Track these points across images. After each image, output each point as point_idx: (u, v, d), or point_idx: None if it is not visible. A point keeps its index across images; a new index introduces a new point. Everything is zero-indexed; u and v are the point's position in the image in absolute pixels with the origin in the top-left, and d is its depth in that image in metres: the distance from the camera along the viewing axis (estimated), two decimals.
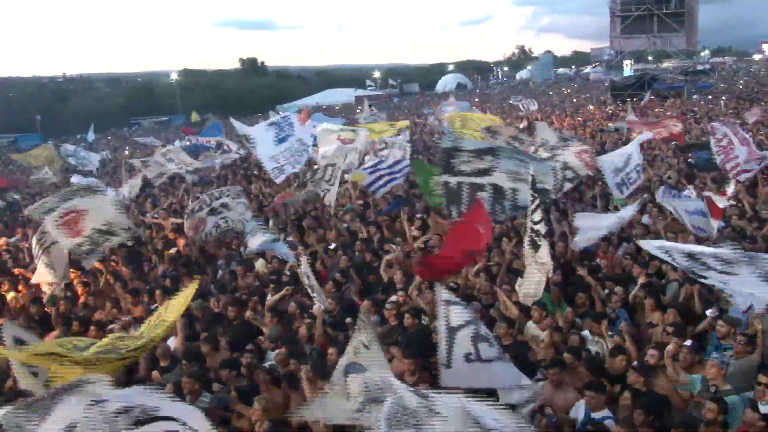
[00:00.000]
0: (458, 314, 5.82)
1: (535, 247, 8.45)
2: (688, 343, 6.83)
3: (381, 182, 15.36)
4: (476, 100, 55.90)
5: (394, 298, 9.31)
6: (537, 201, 8.58)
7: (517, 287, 8.97)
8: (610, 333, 7.81)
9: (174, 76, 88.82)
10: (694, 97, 46.04)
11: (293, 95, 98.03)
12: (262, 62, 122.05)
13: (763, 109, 29.59)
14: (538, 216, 8.47)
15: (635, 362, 6.73)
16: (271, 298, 10.00)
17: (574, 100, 54.71)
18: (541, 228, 8.40)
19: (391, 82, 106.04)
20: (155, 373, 7.84)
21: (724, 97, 44.13)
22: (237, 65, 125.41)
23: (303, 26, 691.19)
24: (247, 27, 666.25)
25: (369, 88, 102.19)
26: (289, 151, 15.47)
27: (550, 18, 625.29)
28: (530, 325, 8.38)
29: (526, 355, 7.30)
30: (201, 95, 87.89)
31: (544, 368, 7.03)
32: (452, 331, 5.77)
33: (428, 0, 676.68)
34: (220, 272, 12.23)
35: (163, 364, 8.15)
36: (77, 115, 71.66)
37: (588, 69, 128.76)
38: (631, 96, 47.48)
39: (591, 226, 10.01)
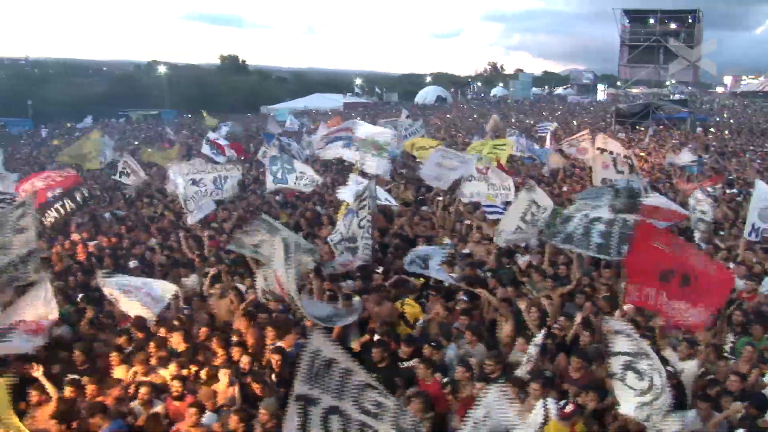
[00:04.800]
0: (621, 343, 6.74)
1: None
2: None
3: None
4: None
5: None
6: None
7: None
8: None
9: (162, 69, 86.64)
10: (699, 129, 47.40)
11: (274, 97, 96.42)
12: (243, 60, 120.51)
13: None
14: None
15: None
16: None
17: (575, 123, 55.43)
18: None
19: (377, 90, 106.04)
20: None
21: (727, 132, 45.72)
22: (213, 61, 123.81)
23: (272, 26, 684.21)
24: (215, 22, 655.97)
25: (349, 95, 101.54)
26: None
27: (519, 36, 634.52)
28: None
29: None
30: (186, 90, 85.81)
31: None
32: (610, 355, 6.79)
33: (397, 10, 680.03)
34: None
35: None
36: (62, 102, 69.42)
37: (561, 90, 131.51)
38: (635, 124, 48.75)
39: None
